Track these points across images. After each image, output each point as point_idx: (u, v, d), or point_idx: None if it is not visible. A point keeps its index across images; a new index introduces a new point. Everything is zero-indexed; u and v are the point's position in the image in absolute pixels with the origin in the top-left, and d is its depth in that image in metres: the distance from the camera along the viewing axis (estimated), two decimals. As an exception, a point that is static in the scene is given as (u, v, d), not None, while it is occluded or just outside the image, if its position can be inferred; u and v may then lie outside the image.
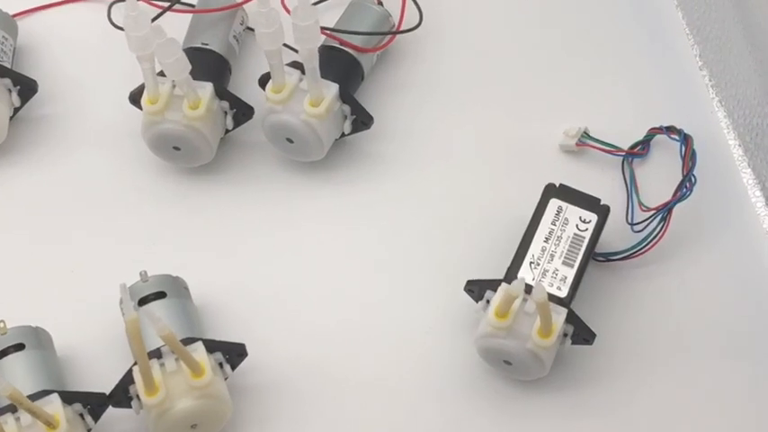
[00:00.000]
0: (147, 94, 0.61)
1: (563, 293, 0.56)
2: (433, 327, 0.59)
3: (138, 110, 0.62)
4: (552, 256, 0.57)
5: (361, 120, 0.63)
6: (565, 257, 0.57)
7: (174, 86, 0.61)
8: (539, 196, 0.59)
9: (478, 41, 0.70)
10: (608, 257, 0.60)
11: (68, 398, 0.53)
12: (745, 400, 0.57)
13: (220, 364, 0.55)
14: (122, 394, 0.54)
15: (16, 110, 0.65)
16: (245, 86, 0.66)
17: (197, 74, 0.60)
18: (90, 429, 0.54)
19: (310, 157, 0.64)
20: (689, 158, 0.60)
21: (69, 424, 0.52)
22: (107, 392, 0.54)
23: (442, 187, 0.64)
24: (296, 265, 0.61)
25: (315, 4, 0.66)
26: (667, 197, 0.59)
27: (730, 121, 0.65)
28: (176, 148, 0.62)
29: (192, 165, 0.64)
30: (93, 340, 0.58)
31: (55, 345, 0.57)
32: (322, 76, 0.61)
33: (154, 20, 0.62)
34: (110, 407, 0.54)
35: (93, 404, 0.54)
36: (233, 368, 0.56)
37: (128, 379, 0.54)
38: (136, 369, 0.53)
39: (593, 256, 0.59)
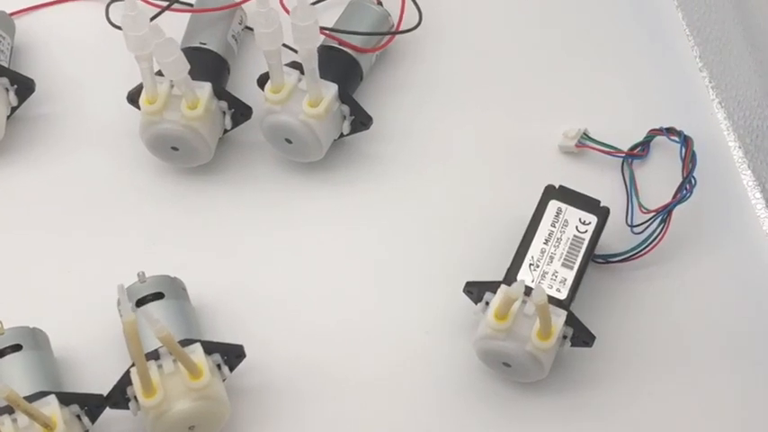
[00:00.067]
0: (146, 93, 0.61)
1: (562, 295, 0.56)
2: (433, 327, 0.59)
3: (137, 109, 0.62)
4: (552, 257, 0.57)
5: (360, 120, 0.63)
6: (564, 259, 0.57)
7: (172, 86, 0.61)
8: (538, 197, 0.59)
9: (478, 41, 0.69)
10: (608, 259, 0.59)
11: (66, 399, 0.53)
12: (745, 401, 0.57)
13: (218, 366, 0.55)
14: (120, 395, 0.54)
15: (13, 109, 0.65)
16: (243, 86, 0.66)
17: (195, 74, 0.60)
18: (87, 431, 0.54)
19: (309, 158, 0.63)
20: (689, 160, 0.60)
21: (66, 425, 0.52)
22: (104, 394, 0.54)
23: (440, 188, 0.64)
24: (294, 266, 0.61)
25: (313, 3, 0.66)
26: (667, 199, 0.59)
27: (730, 122, 0.65)
28: (174, 149, 0.62)
29: (191, 165, 0.64)
30: (91, 341, 0.58)
31: (52, 345, 0.57)
32: (321, 76, 0.60)
33: (152, 19, 0.61)
34: (107, 408, 0.54)
35: (91, 405, 0.54)
36: (231, 369, 0.56)
37: (125, 380, 0.53)
38: (133, 370, 0.53)
39: (593, 258, 0.59)
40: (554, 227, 0.58)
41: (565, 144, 0.64)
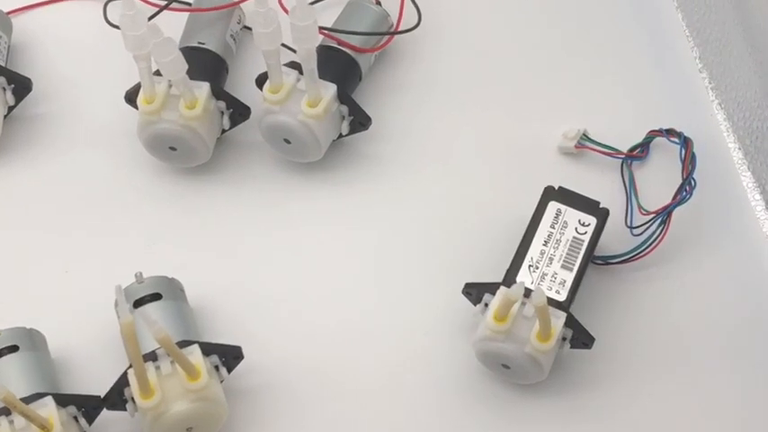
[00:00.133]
0: (144, 93, 0.60)
1: (562, 297, 0.56)
2: (432, 328, 0.59)
3: (134, 109, 0.62)
4: (551, 259, 0.57)
5: (359, 120, 0.63)
6: (564, 261, 0.57)
7: (170, 86, 0.60)
8: (537, 198, 0.59)
9: (477, 41, 0.69)
10: (607, 261, 0.59)
11: (62, 400, 0.53)
12: (745, 402, 0.57)
13: (216, 367, 0.55)
14: (117, 397, 0.54)
15: (10, 108, 0.65)
16: (241, 86, 0.66)
17: (194, 73, 0.60)
18: (84, 432, 0.54)
19: (308, 158, 0.63)
20: (689, 162, 0.60)
21: (63, 427, 0.52)
22: (102, 395, 0.54)
23: (440, 188, 0.64)
24: (293, 267, 0.61)
25: (312, 3, 0.66)
26: (667, 200, 0.59)
27: (730, 123, 0.65)
28: (172, 149, 0.62)
29: (189, 165, 0.63)
30: (88, 342, 0.58)
31: (49, 346, 0.57)
32: (320, 76, 0.60)
33: (150, 18, 0.61)
34: (104, 409, 0.54)
35: (88, 407, 0.54)
36: (229, 371, 0.55)
37: (123, 381, 0.53)
38: (131, 371, 0.52)
39: (593, 260, 0.58)
40: (553, 228, 0.58)
41: (564, 145, 0.64)
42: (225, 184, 0.64)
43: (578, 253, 0.57)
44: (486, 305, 0.55)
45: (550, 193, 0.59)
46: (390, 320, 0.59)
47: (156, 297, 0.56)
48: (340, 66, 0.64)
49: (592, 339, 0.55)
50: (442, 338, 0.58)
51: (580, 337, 0.55)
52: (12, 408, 0.50)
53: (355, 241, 0.62)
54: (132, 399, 0.53)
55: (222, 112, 0.63)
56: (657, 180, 0.62)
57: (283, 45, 0.59)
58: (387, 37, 0.66)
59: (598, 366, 0.57)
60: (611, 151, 0.63)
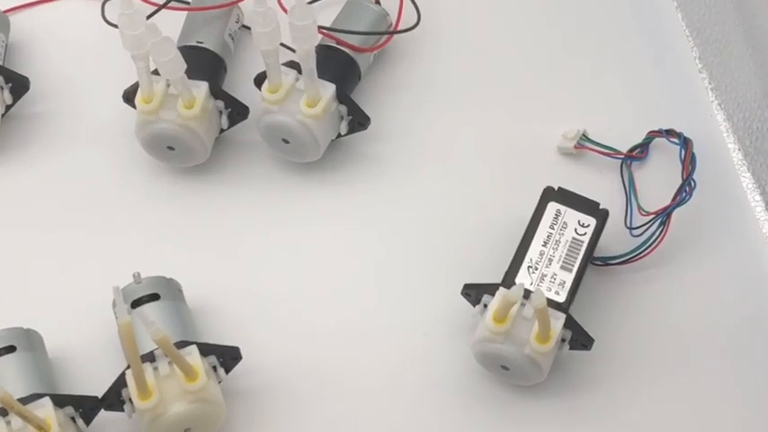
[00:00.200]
0: (142, 93, 0.60)
1: (561, 298, 0.55)
2: (431, 329, 0.59)
3: (132, 109, 0.61)
4: (550, 260, 0.56)
5: (358, 120, 0.62)
6: (563, 262, 0.56)
7: (168, 85, 0.60)
8: (537, 198, 0.59)
9: (477, 41, 0.69)
10: (606, 262, 0.59)
11: (60, 401, 0.53)
12: (745, 404, 0.57)
13: (214, 368, 0.55)
14: (115, 398, 0.54)
15: (8, 107, 0.65)
16: (240, 85, 0.65)
17: (192, 73, 0.60)
18: (81, 433, 0.54)
19: (306, 158, 0.63)
20: (689, 162, 0.60)
21: (61, 428, 0.51)
22: (99, 396, 0.54)
23: (439, 188, 0.64)
24: (292, 267, 0.61)
25: (311, 2, 0.66)
26: (666, 200, 0.59)
27: (730, 124, 0.65)
28: (171, 148, 0.62)
29: (187, 165, 0.63)
30: (85, 342, 0.58)
31: (46, 346, 0.56)
32: (318, 76, 0.60)
33: (149, 18, 0.61)
34: (102, 410, 0.54)
35: (85, 407, 0.54)
36: (227, 372, 0.55)
37: (120, 382, 0.53)
38: (129, 372, 0.52)
39: (592, 261, 0.58)
40: (553, 229, 0.57)
41: (564, 145, 0.64)
42: (223, 183, 0.64)
43: (578, 254, 0.57)
44: (486, 306, 0.55)
45: (550, 194, 0.59)
46: (389, 321, 0.59)
47: (154, 297, 0.56)
48: (339, 65, 0.64)
49: (591, 341, 0.55)
50: (441, 339, 0.58)
51: (579, 339, 0.55)
52: (9, 408, 0.50)
53: (354, 241, 0.62)
54: (130, 399, 0.53)
55: (221, 112, 0.62)
56: (657, 181, 0.62)
57: (282, 44, 0.59)
58: (386, 36, 0.66)
59: (597, 367, 0.57)
60: (611, 152, 0.63)
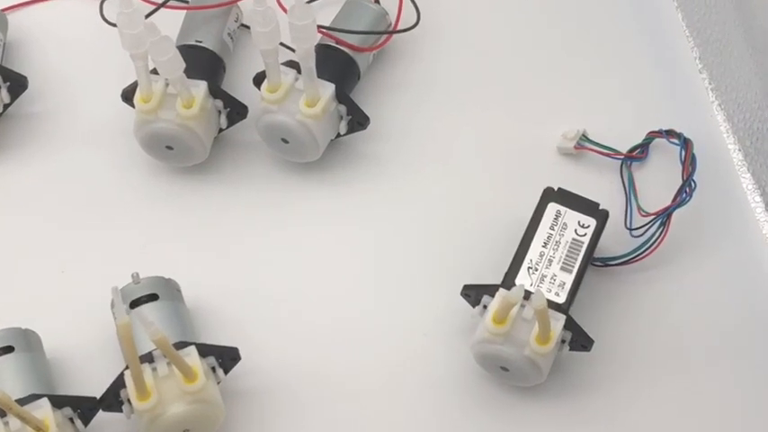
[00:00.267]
0: (140, 92, 0.60)
1: (561, 299, 0.55)
2: (431, 330, 0.59)
3: (131, 108, 0.61)
4: (550, 261, 0.56)
5: (358, 120, 0.62)
6: (563, 263, 0.56)
7: (167, 85, 0.60)
8: (536, 198, 0.59)
9: (477, 41, 0.69)
10: (606, 262, 0.59)
11: (58, 402, 0.53)
12: (745, 404, 0.57)
13: (213, 368, 0.54)
14: (113, 398, 0.53)
15: (6, 106, 0.64)
16: (239, 85, 0.65)
17: (191, 72, 0.59)
18: (80, 434, 0.54)
19: (306, 158, 0.63)
20: (689, 163, 0.60)
21: (59, 429, 0.51)
22: (98, 396, 0.53)
23: (439, 188, 0.63)
24: (291, 267, 0.61)
25: (310, 2, 0.66)
26: (666, 201, 0.59)
27: (730, 124, 0.65)
28: (169, 148, 0.62)
29: (186, 164, 0.63)
30: (84, 342, 0.58)
31: (45, 347, 0.56)
32: (318, 75, 0.60)
33: (147, 17, 0.61)
34: (100, 411, 0.54)
35: (84, 408, 0.53)
36: (226, 372, 0.55)
37: (119, 383, 0.53)
38: (127, 373, 0.52)
39: (592, 261, 0.58)
40: (553, 230, 0.57)
41: (563, 145, 0.64)
42: (222, 183, 0.64)
43: (578, 255, 0.57)
44: (485, 307, 0.55)
45: (550, 195, 0.58)
46: (389, 321, 0.59)
47: (152, 298, 0.56)
48: (338, 65, 0.63)
49: (591, 342, 0.55)
50: (441, 339, 0.58)
51: (579, 340, 0.55)
52: (7, 409, 0.50)
53: (354, 241, 0.62)
54: (128, 400, 0.53)
55: (219, 112, 0.62)
56: (657, 181, 0.62)
57: (281, 44, 0.59)
58: (385, 36, 0.66)
59: (597, 369, 0.57)
60: (611, 152, 0.63)
